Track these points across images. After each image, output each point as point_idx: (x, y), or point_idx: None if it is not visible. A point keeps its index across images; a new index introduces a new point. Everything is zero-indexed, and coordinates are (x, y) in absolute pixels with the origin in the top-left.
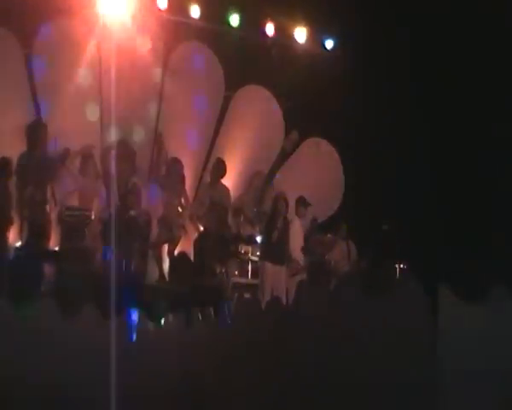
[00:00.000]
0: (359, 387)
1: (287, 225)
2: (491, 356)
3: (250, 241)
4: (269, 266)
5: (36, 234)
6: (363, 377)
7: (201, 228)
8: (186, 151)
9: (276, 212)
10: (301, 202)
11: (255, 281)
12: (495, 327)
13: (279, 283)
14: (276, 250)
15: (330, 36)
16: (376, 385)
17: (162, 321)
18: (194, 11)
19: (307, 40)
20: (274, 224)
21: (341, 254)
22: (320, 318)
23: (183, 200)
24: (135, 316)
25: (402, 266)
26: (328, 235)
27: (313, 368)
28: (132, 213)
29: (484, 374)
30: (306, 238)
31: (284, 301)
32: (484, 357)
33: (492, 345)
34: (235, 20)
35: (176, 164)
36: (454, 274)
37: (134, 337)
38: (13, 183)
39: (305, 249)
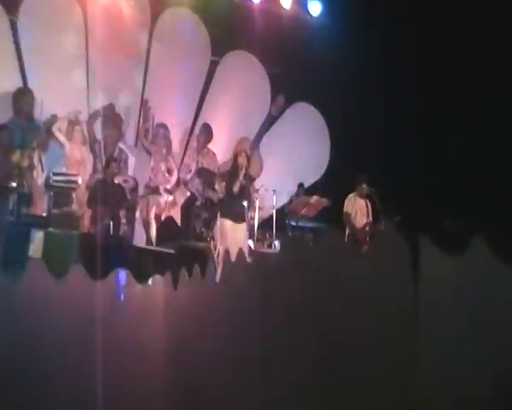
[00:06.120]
0: (342, 326)
1: (249, 181)
2: (470, 300)
3: None
4: (227, 224)
5: (23, 200)
6: (347, 314)
7: (188, 193)
8: (172, 117)
9: (235, 167)
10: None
11: None
12: (473, 276)
13: (237, 240)
14: (236, 207)
15: (316, 2)
16: (361, 326)
17: (149, 281)
18: None
19: (293, 6)
20: (234, 180)
21: (361, 211)
22: (303, 266)
23: (169, 165)
24: (122, 277)
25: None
26: (314, 196)
27: (299, 313)
28: (119, 178)
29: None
30: (290, 200)
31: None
32: (461, 300)
33: (470, 290)
34: None
35: (162, 129)
36: (435, 227)
37: (122, 297)
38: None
39: (287, 211)
